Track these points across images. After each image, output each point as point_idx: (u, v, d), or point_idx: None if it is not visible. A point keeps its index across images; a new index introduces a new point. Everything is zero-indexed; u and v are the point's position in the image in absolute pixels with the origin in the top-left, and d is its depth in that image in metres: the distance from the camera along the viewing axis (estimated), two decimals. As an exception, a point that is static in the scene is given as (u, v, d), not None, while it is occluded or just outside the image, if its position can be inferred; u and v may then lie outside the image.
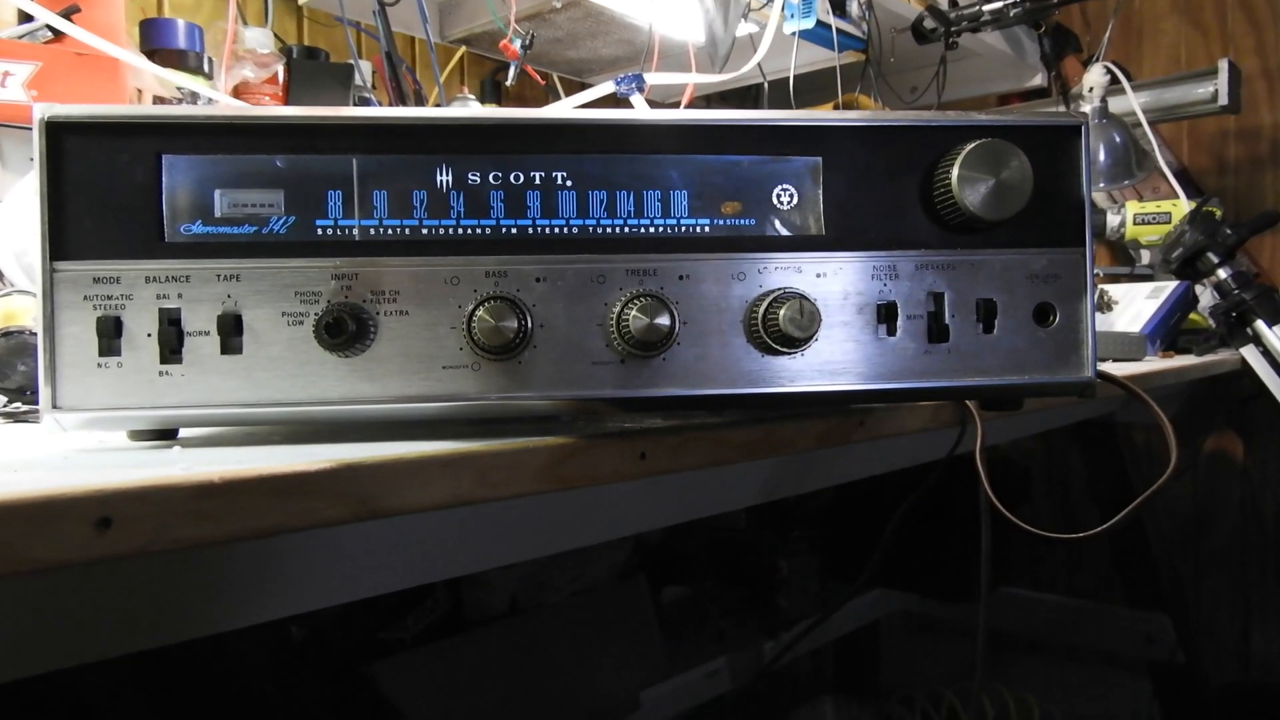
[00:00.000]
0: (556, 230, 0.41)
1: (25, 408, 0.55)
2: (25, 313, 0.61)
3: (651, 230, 0.42)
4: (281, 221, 0.39)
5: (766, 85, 1.44)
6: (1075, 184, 0.44)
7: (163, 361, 0.38)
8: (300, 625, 0.93)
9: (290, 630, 0.92)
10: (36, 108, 0.37)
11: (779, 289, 0.41)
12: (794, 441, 0.50)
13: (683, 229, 0.42)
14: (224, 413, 0.38)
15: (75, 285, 0.37)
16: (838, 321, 0.42)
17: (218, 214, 0.39)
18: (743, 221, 0.42)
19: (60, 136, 0.37)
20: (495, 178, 0.40)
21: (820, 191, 0.43)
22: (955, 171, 0.41)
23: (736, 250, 0.42)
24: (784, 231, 0.43)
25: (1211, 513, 2.13)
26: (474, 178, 0.40)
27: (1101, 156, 1.63)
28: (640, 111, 0.44)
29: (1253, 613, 2.09)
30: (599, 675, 1.19)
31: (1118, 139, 1.66)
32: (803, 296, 0.40)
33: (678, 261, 0.41)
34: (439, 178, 0.40)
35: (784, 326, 0.40)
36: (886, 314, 0.43)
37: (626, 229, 0.41)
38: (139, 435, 0.41)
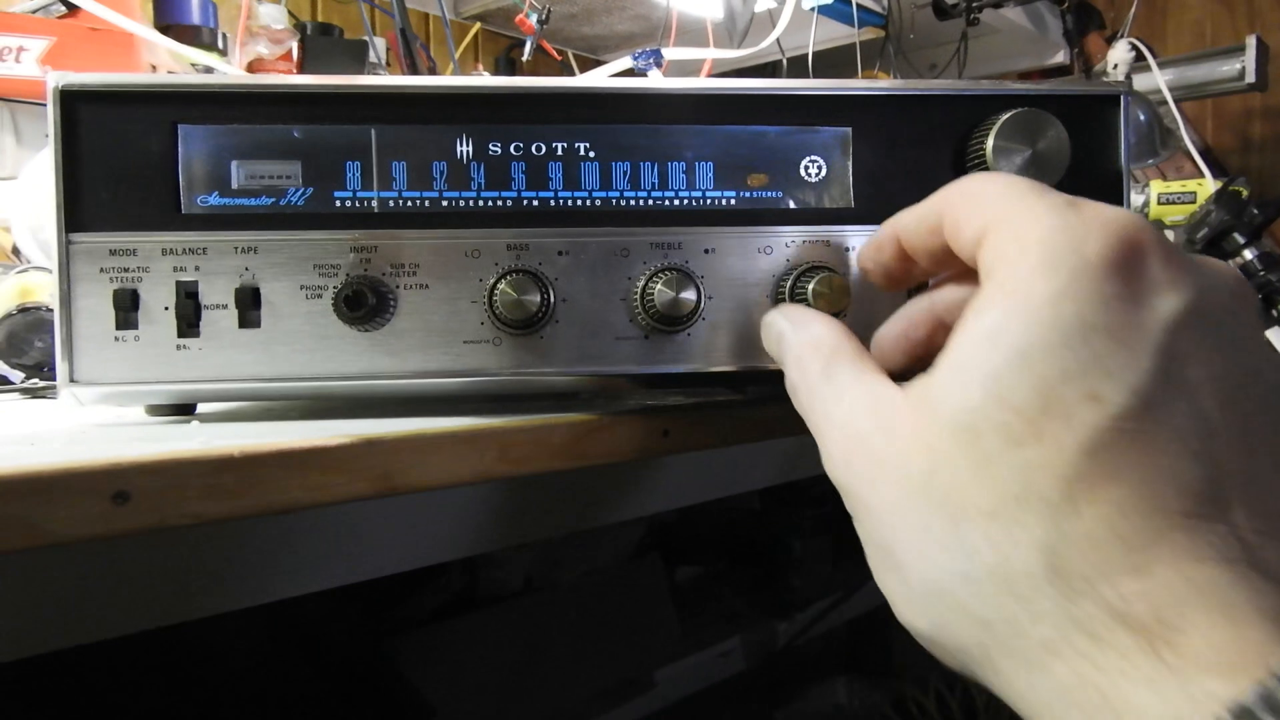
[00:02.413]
0: (579, 202, 0.40)
1: (43, 384, 0.54)
2: (41, 289, 0.61)
3: (676, 203, 0.41)
4: (299, 193, 0.38)
5: (785, 62, 1.43)
6: (1114, 156, 0.42)
7: (180, 335, 0.37)
8: (316, 603, 0.93)
9: (305, 608, 0.92)
10: (51, 76, 0.36)
11: (807, 263, 0.40)
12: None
13: (708, 201, 0.41)
14: (242, 387, 0.38)
15: (91, 257, 0.37)
16: (866, 296, 0.41)
17: (234, 185, 0.38)
18: (769, 194, 0.41)
19: (75, 106, 0.36)
20: (517, 148, 0.40)
21: (849, 163, 0.42)
22: (990, 142, 0.40)
23: (763, 223, 0.41)
24: (812, 204, 0.42)
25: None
26: (495, 148, 0.39)
27: (1125, 134, 1.61)
28: (664, 80, 0.43)
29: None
30: (613, 654, 1.19)
31: (1142, 117, 1.63)
32: (831, 270, 0.39)
33: (703, 234, 0.41)
34: (459, 148, 0.39)
35: (813, 301, 0.39)
36: (916, 288, 0.42)
37: (650, 201, 0.40)
38: (157, 410, 0.40)
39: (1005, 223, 0.27)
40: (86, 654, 0.42)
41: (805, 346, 0.32)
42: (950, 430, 0.25)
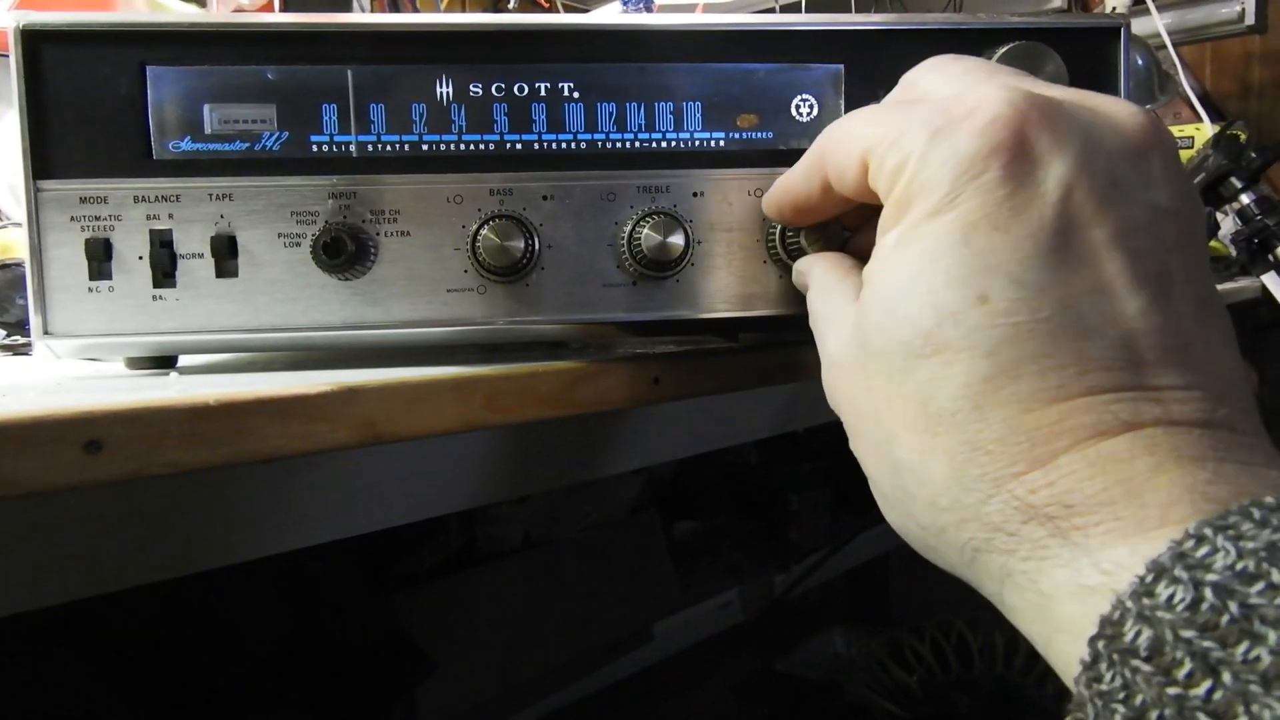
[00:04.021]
0: (564, 145, 0.39)
1: (24, 340, 0.54)
2: (22, 245, 0.60)
3: (664, 144, 0.40)
4: (274, 137, 0.37)
5: (779, 5, 1.40)
6: (1113, 91, 0.41)
7: (156, 285, 0.36)
8: (318, 560, 0.94)
9: (306, 565, 0.92)
10: (11, 15, 0.34)
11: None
12: (812, 367, 0.48)
13: (696, 143, 0.40)
14: (222, 338, 0.37)
15: (61, 205, 0.36)
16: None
17: (207, 130, 0.37)
18: (760, 134, 0.40)
19: (38, 46, 0.35)
20: (499, 89, 0.38)
21: (842, 102, 0.40)
22: (985, 77, 0.39)
23: (754, 165, 0.40)
24: (804, 145, 0.40)
25: (1225, 444, 2.12)
26: (476, 89, 0.38)
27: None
28: (648, 16, 0.42)
29: (1264, 543, 2.09)
30: (613, 608, 1.19)
31: (1140, 61, 1.61)
32: (823, 211, 0.38)
33: (691, 177, 0.39)
34: (439, 90, 0.38)
35: (806, 245, 0.38)
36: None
37: (637, 143, 0.39)
38: (135, 363, 0.39)
39: (879, 145, 0.27)
40: (87, 608, 0.41)
41: (815, 279, 0.34)
42: (870, 354, 0.27)
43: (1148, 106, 1.62)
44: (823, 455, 1.70)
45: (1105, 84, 0.41)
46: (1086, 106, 0.26)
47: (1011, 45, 0.39)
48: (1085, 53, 0.41)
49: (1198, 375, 0.24)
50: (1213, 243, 1.41)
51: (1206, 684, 0.17)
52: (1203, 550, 0.19)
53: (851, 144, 0.29)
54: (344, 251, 0.36)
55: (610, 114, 0.39)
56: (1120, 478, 0.22)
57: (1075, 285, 0.24)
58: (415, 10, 1.10)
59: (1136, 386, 0.23)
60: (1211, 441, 0.22)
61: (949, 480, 0.24)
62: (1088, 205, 0.24)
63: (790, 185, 0.34)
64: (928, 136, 0.26)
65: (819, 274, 0.34)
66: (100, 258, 0.36)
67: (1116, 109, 0.27)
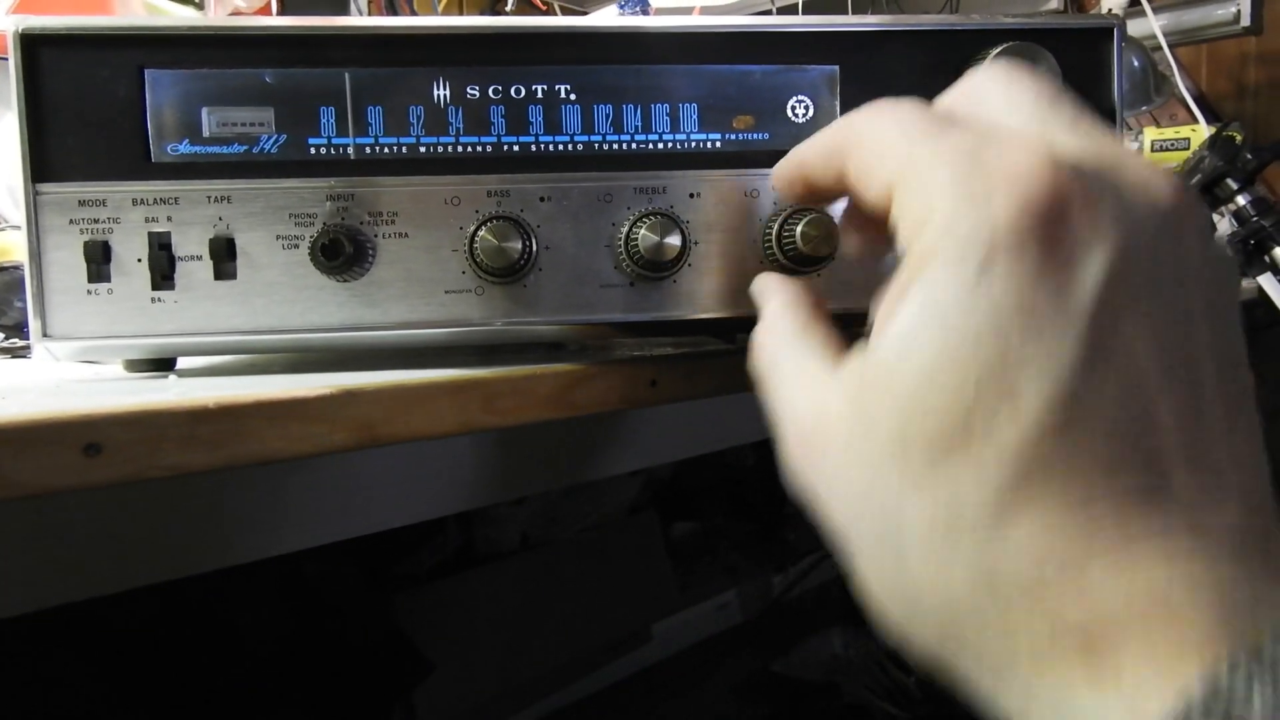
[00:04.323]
0: (561, 147, 0.39)
1: (23, 343, 0.54)
2: (20, 248, 0.60)
3: (660, 146, 0.40)
4: (272, 140, 0.37)
5: (775, 8, 1.40)
6: (1106, 91, 0.41)
7: (154, 288, 0.36)
8: (317, 562, 0.94)
9: (305, 566, 0.92)
10: (10, 19, 0.35)
11: (794, 206, 0.39)
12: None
13: (693, 144, 0.40)
14: (220, 340, 0.37)
15: (60, 209, 0.36)
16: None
17: (206, 133, 0.37)
18: (756, 136, 0.40)
19: (37, 50, 0.35)
20: (495, 92, 0.39)
21: (837, 103, 0.41)
22: (980, 78, 0.39)
23: (750, 166, 0.40)
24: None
25: (1222, 443, 2.12)
26: (473, 92, 0.38)
27: (1119, 80, 1.59)
28: (645, 19, 0.42)
29: (1261, 542, 2.09)
30: (611, 608, 1.20)
31: (1136, 63, 1.61)
32: (819, 212, 0.39)
33: (688, 178, 0.40)
34: (437, 92, 0.38)
35: (800, 244, 0.38)
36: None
37: (634, 144, 0.40)
38: (134, 365, 0.39)
39: (910, 181, 0.25)
40: (87, 609, 0.41)
41: (771, 315, 0.30)
42: (881, 443, 0.24)
43: (1143, 108, 1.63)
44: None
45: (1099, 85, 0.41)
46: (1118, 172, 0.24)
47: (1005, 46, 0.39)
48: (1078, 53, 0.41)
49: (1228, 479, 0.22)
50: (1209, 243, 1.41)
51: None
52: (1239, 683, 0.18)
53: (879, 162, 0.26)
54: (342, 253, 0.36)
55: (607, 116, 0.39)
56: (1150, 589, 0.20)
57: (1108, 385, 0.22)
58: (413, 13, 1.11)
59: (1166, 490, 0.21)
60: (1245, 551, 0.21)
61: (969, 588, 0.22)
62: (1128, 296, 0.22)
63: (806, 163, 0.30)
64: (958, 194, 0.23)
65: (775, 309, 0.30)
66: (99, 260, 0.36)
67: (1150, 179, 0.24)
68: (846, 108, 0.41)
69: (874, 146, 0.26)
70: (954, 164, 0.23)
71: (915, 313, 0.23)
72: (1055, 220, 0.22)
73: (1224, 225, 1.44)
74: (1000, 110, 0.26)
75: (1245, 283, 1.39)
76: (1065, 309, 0.22)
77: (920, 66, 0.41)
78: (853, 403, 0.25)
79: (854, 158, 0.28)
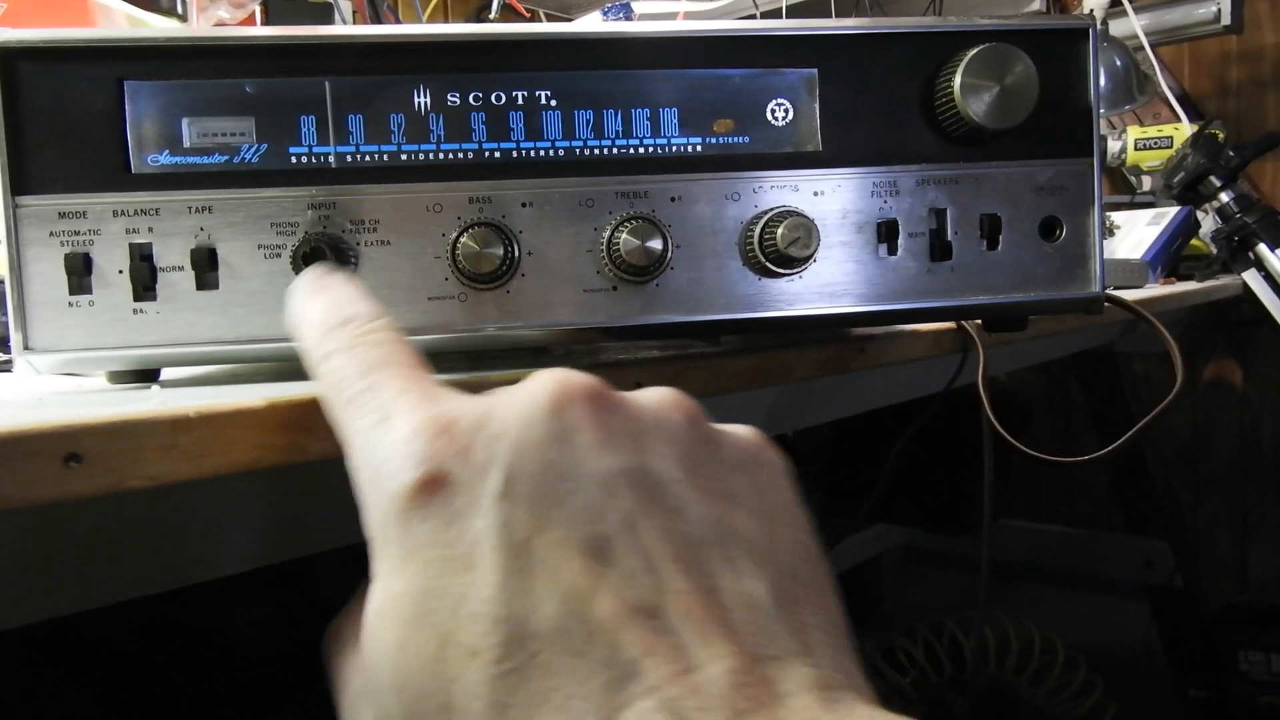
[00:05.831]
0: (542, 153, 0.39)
1: (4, 357, 0.53)
2: (3, 262, 0.60)
3: (641, 150, 0.40)
4: (253, 150, 0.37)
5: (759, 13, 1.41)
6: (1083, 91, 0.42)
7: (136, 299, 0.36)
8: (311, 564, 0.94)
9: (301, 570, 0.92)
10: (-13, 33, 0.35)
11: (775, 208, 0.40)
12: (793, 369, 0.49)
13: (673, 148, 0.40)
14: (203, 351, 0.37)
15: (40, 221, 0.36)
16: (836, 241, 0.41)
17: (186, 143, 0.37)
18: (736, 139, 0.41)
19: (15, 64, 0.35)
20: (476, 98, 0.39)
21: (816, 105, 0.41)
22: (958, 79, 0.39)
23: (730, 169, 0.40)
24: (779, 149, 0.41)
25: (1210, 438, 2.13)
26: (454, 99, 0.39)
27: (1102, 80, 1.60)
28: (624, 25, 0.42)
29: (1250, 536, 2.11)
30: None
31: (1118, 62, 1.62)
32: (800, 214, 0.39)
33: (669, 182, 0.40)
34: (417, 99, 0.38)
35: (781, 246, 0.38)
36: (887, 232, 0.41)
37: (615, 149, 0.40)
38: (117, 377, 0.39)
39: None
40: (88, 620, 0.41)
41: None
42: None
43: (1126, 107, 1.64)
44: (812, 459, 1.70)
45: (1076, 85, 0.42)
46: (492, 408, 0.25)
47: (981, 48, 0.39)
48: (1055, 54, 0.41)
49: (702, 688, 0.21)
50: (1194, 241, 1.42)
51: None
52: None
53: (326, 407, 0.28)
54: (324, 261, 0.36)
55: (588, 121, 0.39)
56: None
57: (548, 604, 0.22)
58: (397, 20, 1.11)
59: (646, 684, 0.21)
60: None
61: None
62: (525, 515, 0.23)
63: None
64: (369, 482, 0.25)
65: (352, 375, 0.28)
66: (80, 272, 0.36)
67: (511, 399, 0.25)
68: (826, 110, 0.41)
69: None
70: (362, 444, 0.26)
71: (376, 596, 0.24)
72: (432, 482, 0.23)
73: (1208, 222, 1.45)
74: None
75: (1229, 279, 1.40)
76: (472, 542, 0.23)
77: (898, 69, 0.41)
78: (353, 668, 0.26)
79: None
